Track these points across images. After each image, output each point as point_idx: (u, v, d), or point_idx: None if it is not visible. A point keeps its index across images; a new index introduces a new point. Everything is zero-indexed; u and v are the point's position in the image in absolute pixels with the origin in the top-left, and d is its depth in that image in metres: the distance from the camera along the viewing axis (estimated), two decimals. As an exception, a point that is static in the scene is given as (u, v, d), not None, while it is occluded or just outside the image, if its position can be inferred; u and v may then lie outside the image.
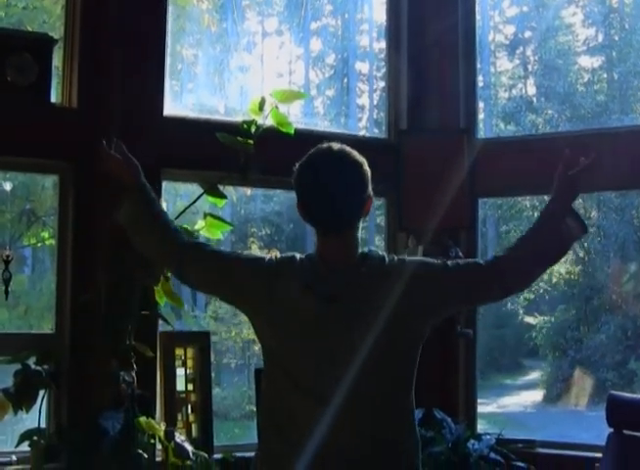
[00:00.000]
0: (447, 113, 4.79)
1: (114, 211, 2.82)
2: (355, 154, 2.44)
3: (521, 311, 11.24)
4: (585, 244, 10.42)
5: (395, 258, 2.46)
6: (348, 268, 2.39)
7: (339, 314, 2.34)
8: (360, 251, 2.44)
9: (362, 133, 6.02)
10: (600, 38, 10.83)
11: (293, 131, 3.73)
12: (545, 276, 10.47)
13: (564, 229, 2.45)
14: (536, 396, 10.63)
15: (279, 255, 2.55)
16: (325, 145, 2.45)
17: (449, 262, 2.49)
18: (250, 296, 2.48)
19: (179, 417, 3.96)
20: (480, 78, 5.04)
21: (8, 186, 4.39)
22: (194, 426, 3.99)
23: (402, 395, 2.43)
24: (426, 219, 4.46)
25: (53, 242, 4.06)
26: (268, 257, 2.53)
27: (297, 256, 2.47)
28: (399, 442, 2.41)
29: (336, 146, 2.44)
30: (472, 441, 4.15)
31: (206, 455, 3.63)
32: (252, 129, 3.68)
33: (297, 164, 2.46)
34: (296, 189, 2.46)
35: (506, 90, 11.08)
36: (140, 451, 3.46)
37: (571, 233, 2.47)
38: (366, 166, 2.44)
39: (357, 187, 2.42)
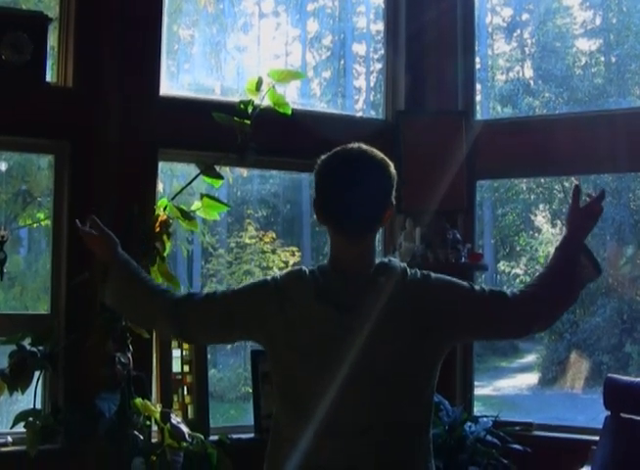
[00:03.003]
0: (445, 95, 4.76)
1: (99, 293, 2.74)
2: (384, 156, 2.30)
3: (517, 295, 11.23)
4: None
5: (418, 272, 2.31)
6: (366, 278, 2.25)
7: (356, 326, 2.19)
8: (379, 260, 2.31)
9: (359, 115, 5.99)
10: (598, 21, 10.79)
11: (290, 112, 3.70)
12: (542, 259, 10.47)
13: (577, 270, 2.36)
14: (532, 378, 10.65)
15: (282, 273, 2.39)
16: (353, 144, 2.30)
17: (476, 288, 2.34)
18: (261, 323, 2.31)
19: (175, 399, 3.95)
20: (477, 61, 5.00)
21: (3, 166, 4.36)
22: (190, 407, 3.99)
23: (418, 416, 2.29)
24: (423, 202, 4.46)
25: (49, 223, 4.03)
26: (270, 277, 2.37)
27: (305, 268, 2.32)
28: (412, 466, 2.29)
29: (364, 146, 2.30)
30: (468, 423, 4.15)
31: (202, 437, 3.62)
32: (249, 109, 3.65)
33: (323, 157, 2.31)
34: (317, 181, 2.30)
35: (503, 73, 11.04)
36: (136, 433, 3.46)
37: (584, 274, 2.38)
38: (393, 171, 2.30)
39: (383, 189, 2.28)
